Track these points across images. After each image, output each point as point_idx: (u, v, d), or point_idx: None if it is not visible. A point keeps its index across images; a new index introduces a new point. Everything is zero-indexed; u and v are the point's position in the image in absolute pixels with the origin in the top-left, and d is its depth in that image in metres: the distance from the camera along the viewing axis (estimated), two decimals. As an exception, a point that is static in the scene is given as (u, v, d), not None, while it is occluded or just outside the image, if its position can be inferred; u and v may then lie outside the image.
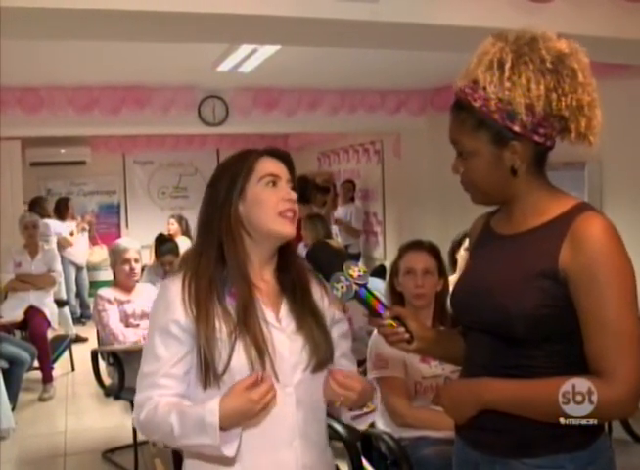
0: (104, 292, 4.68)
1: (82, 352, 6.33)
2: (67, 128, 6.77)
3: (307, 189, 8.42)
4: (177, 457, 2.89)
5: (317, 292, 1.79)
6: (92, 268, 9.54)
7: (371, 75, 6.27)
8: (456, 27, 3.17)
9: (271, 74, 5.89)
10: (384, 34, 3.36)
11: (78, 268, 9.07)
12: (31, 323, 6.25)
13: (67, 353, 6.69)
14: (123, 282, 4.71)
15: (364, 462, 2.82)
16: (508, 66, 1.50)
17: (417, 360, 2.88)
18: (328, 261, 1.72)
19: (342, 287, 1.66)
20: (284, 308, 1.73)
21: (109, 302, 4.59)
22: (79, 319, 8.81)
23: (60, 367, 6.57)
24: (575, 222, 1.50)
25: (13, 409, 5.13)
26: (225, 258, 1.68)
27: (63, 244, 8.59)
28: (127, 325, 4.57)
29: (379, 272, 7.08)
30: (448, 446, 2.56)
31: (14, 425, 4.95)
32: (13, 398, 5.24)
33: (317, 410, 1.75)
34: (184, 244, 7.10)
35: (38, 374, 6.10)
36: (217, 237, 1.69)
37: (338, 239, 8.14)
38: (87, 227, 9.13)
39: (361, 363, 2.85)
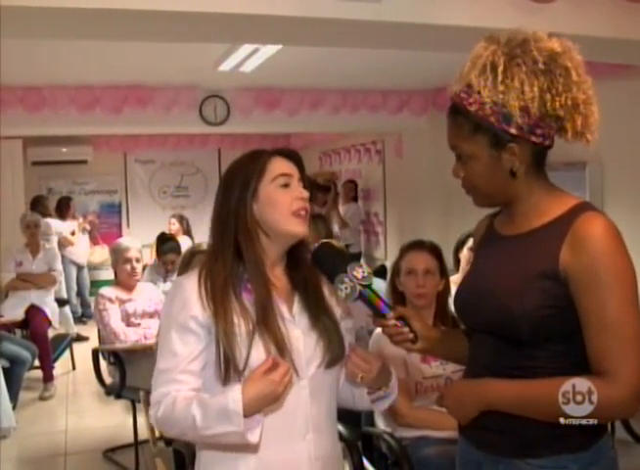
0: (105, 291, 4.68)
1: (83, 352, 6.33)
2: (68, 127, 6.79)
3: (309, 188, 8.40)
4: (178, 456, 2.90)
5: (327, 289, 1.81)
6: (93, 268, 9.54)
7: (373, 75, 6.27)
8: (458, 27, 3.17)
9: (273, 74, 5.90)
10: (386, 34, 3.36)
11: (79, 267, 9.07)
12: (32, 322, 6.25)
13: (67, 353, 6.69)
14: (124, 281, 4.71)
15: (365, 462, 2.82)
16: (501, 69, 1.51)
17: (418, 360, 2.88)
18: (332, 263, 1.73)
19: (346, 288, 1.67)
20: (297, 305, 1.75)
21: (110, 301, 4.59)
22: (80, 318, 8.80)
23: (61, 366, 6.57)
24: (576, 222, 1.50)
25: (14, 408, 5.12)
26: (241, 257, 1.70)
27: (64, 243, 8.58)
28: (128, 324, 4.57)
29: (380, 272, 7.07)
30: (449, 445, 2.57)
31: (14, 424, 4.94)
32: (14, 396, 5.23)
33: (330, 405, 1.79)
34: (185, 243, 7.10)
35: (39, 373, 6.10)
36: (233, 237, 1.71)
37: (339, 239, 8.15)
38: (88, 227, 9.13)
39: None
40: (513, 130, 1.52)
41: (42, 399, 5.91)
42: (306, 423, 1.70)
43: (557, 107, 1.50)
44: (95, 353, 4.78)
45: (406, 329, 1.71)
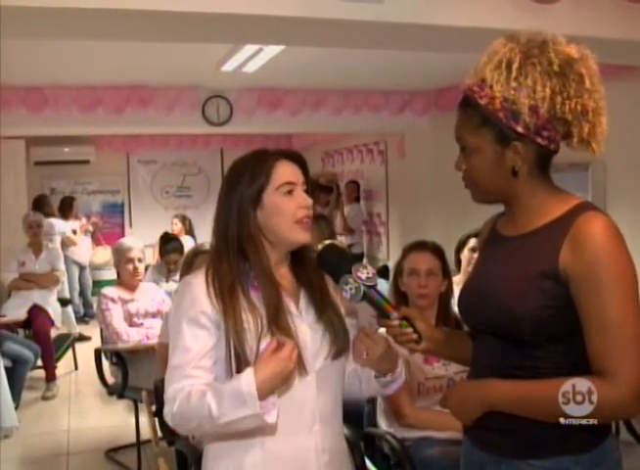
0: (107, 291, 4.69)
1: (85, 351, 6.34)
2: (70, 127, 6.80)
3: (311, 189, 8.40)
4: (180, 457, 2.90)
5: (331, 285, 1.83)
6: (95, 268, 9.55)
7: (375, 76, 6.27)
8: (460, 28, 3.17)
9: (275, 74, 5.90)
10: (388, 35, 3.36)
11: (81, 268, 9.08)
12: (35, 322, 6.27)
13: (70, 352, 6.70)
14: (127, 281, 4.72)
15: (367, 463, 2.82)
16: (515, 66, 1.52)
17: (420, 361, 2.88)
18: (337, 264, 1.74)
19: (350, 289, 1.68)
20: (303, 300, 1.77)
21: (112, 301, 4.60)
22: (82, 318, 8.81)
23: (63, 366, 6.58)
24: (576, 222, 1.51)
25: (16, 408, 5.13)
26: (246, 257, 1.71)
27: (67, 243, 8.59)
28: (131, 324, 4.58)
29: (382, 272, 7.05)
30: (451, 446, 2.58)
31: (17, 424, 4.95)
32: (16, 396, 5.24)
33: (336, 397, 1.80)
34: (187, 243, 7.11)
35: (41, 373, 6.12)
36: (237, 243, 1.71)
37: (342, 239, 8.15)
38: (91, 229, 9.13)
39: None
40: (519, 128, 1.53)
41: (45, 398, 5.92)
42: (313, 415, 1.72)
43: (566, 110, 1.51)
44: (97, 353, 4.79)
45: (410, 329, 1.72)
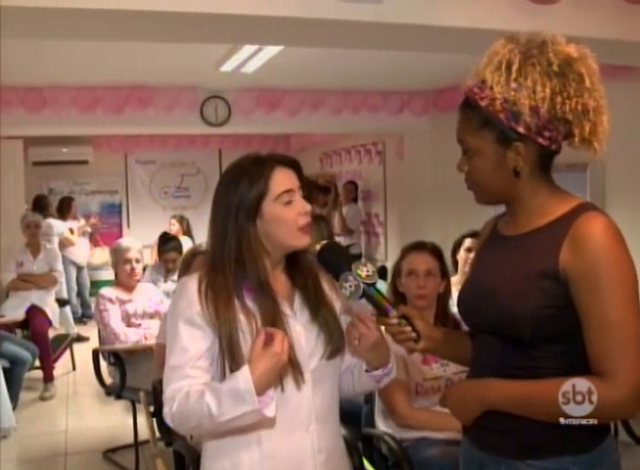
0: (105, 291, 4.69)
1: (83, 352, 6.33)
2: (69, 128, 6.79)
3: (309, 189, 8.40)
4: (178, 457, 2.90)
5: (326, 284, 1.83)
6: (93, 268, 9.54)
7: (374, 76, 6.28)
8: (459, 29, 3.17)
9: (274, 75, 5.90)
10: (387, 35, 3.36)
11: (79, 268, 9.07)
12: (33, 322, 6.26)
13: (68, 353, 6.70)
14: (125, 282, 4.71)
15: (365, 463, 2.81)
16: (515, 67, 1.52)
17: (418, 361, 2.88)
18: (337, 261, 1.75)
19: (350, 286, 1.69)
20: (297, 301, 1.78)
21: (110, 301, 4.59)
22: (80, 319, 8.81)
23: (61, 367, 6.57)
24: (576, 222, 1.51)
25: (14, 408, 5.12)
26: (242, 265, 1.70)
27: (65, 243, 8.58)
28: (129, 325, 4.57)
29: (380, 273, 7.02)
30: (450, 447, 2.58)
31: (15, 424, 4.94)
32: (14, 397, 5.24)
33: (332, 396, 1.81)
34: (185, 244, 7.10)
35: (39, 373, 6.11)
36: (235, 256, 1.70)
37: (340, 240, 8.16)
38: (90, 229, 9.12)
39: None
40: (521, 129, 1.53)
41: (42, 399, 5.91)
42: (309, 415, 1.72)
43: (566, 110, 1.51)
44: (95, 354, 4.78)
45: (409, 328, 1.72)
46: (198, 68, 5.70)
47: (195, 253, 3.80)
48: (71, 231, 8.82)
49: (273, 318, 1.67)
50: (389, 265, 3.45)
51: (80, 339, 7.45)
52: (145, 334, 4.52)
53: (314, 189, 8.80)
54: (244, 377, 1.54)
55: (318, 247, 1.77)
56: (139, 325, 4.58)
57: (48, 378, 6.08)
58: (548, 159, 1.60)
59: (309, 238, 1.75)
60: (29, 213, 7.12)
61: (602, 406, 1.45)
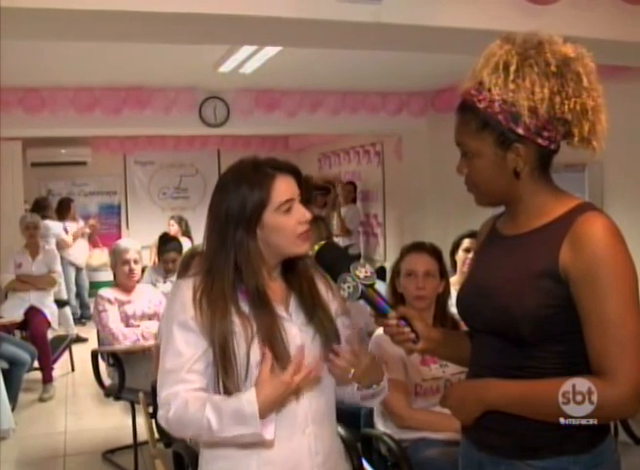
0: (104, 292, 4.68)
1: (82, 353, 6.33)
2: (68, 129, 6.78)
3: (308, 190, 8.40)
4: (178, 458, 2.89)
5: (322, 286, 1.83)
6: (92, 270, 9.53)
7: (372, 77, 6.27)
8: (458, 30, 3.17)
9: (272, 76, 5.90)
10: (385, 36, 3.36)
11: (78, 269, 9.06)
12: (32, 323, 6.26)
13: (67, 354, 6.69)
14: (123, 283, 4.71)
15: (364, 464, 2.81)
16: (513, 68, 1.51)
17: (417, 362, 2.88)
18: (336, 262, 1.74)
19: (348, 287, 1.68)
20: (293, 303, 1.77)
21: (109, 302, 4.59)
22: (79, 320, 8.80)
23: (60, 368, 6.57)
24: (576, 222, 1.51)
25: (13, 410, 5.12)
26: (239, 271, 1.69)
27: (62, 245, 8.57)
28: (127, 326, 4.57)
29: (379, 274, 7.04)
30: (449, 447, 2.58)
31: (14, 425, 4.94)
32: (13, 398, 5.23)
33: (328, 398, 1.81)
34: (184, 245, 7.09)
35: (38, 374, 6.10)
36: (233, 265, 1.69)
37: (339, 240, 8.16)
38: (89, 231, 9.11)
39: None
40: (520, 130, 1.53)
41: (41, 400, 5.91)
42: (306, 418, 1.72)
43: (565, 110, 1.51)
44: (94, 355, 4.78)
45: (407, 329, 1.71)
46: (196, 68, 5.69)
47: (194, 254, 3.80)
48: (66, 231, 8.80)
49: (269, 323, 1.67)
50: (388, 266, 3.46)
51: (79, 340, 7.45)
52: (142, 332, 4.51)
53: (313, 190, 8.80)
54: (249, 399, 1.54)
55: (317, 247, 1.77)
56: (138, 326, 4.57)
57: (47, 379, 6.07)
58: (547, 158, 1.60)
59: (308, 245, 1.75)
60: (28, 215, 7.12)
61: (602, 406, 1.45)
